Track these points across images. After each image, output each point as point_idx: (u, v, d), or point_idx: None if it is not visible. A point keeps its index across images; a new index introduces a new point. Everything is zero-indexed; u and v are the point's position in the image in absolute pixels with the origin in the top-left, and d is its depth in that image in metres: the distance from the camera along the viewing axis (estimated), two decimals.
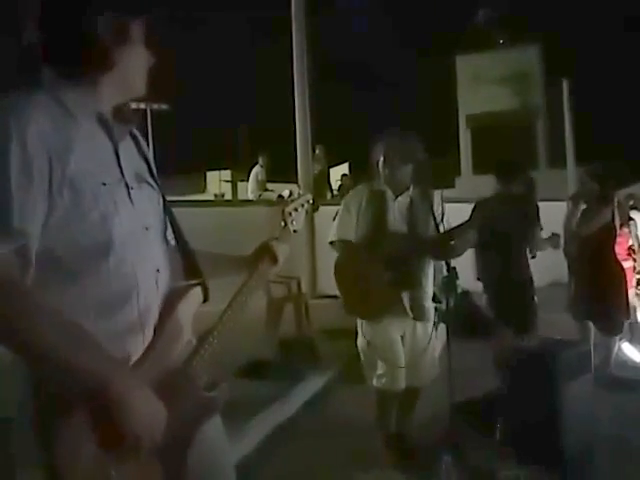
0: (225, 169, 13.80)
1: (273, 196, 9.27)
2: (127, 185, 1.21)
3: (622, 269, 4.49)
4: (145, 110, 11.65)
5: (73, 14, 1.15)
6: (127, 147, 1.26)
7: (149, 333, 1.23)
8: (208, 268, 1.38)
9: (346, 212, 3.09)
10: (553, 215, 5.39)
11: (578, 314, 4.37)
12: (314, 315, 6.05)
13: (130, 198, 1.21)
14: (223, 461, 1.46)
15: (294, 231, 1.64)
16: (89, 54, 1.17)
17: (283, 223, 1.61)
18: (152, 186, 1.31)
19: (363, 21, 21.21)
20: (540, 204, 4.52)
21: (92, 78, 1.20)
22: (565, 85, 15.16)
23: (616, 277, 4.38)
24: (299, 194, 1.65)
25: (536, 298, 5.20)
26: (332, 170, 11.55)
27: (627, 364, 4.78)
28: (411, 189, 3.08)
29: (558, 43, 19.36)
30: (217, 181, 13.38)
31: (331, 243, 3.10)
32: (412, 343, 3.05)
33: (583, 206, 4.35)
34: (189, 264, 1.36)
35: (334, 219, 3.20)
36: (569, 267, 4.57)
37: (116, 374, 1.07)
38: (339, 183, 11.07)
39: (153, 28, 1.27)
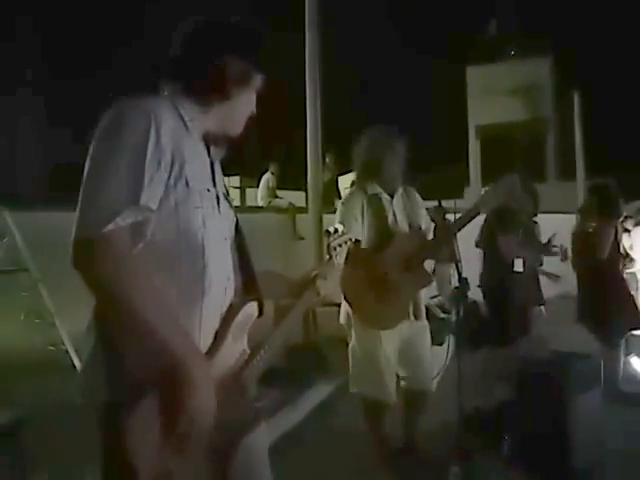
0: (234, 175, 13.87)
1: (282, 203, 9.31)
2: (217, 197, 1.39)
3: (624, 282, 4.47)
4: None
5: (210, 48, 1.38)
6: (217, 168, 1.44)
7: (209, 338, 1.32)
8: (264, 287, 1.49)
9: (350, 215, 2.96)
10: (563, 227, 5.37)
11: (586, 326, 4.37)
12: (321, 322, 6.04)
13: (219, 209, 1.38)
14: (265, 465, 1.51)
15: (338, 264, 1.75)
16: (214, 83, 1.38)
17: (328, 256, 1.73)
18: (229, 204, 1.47)
19: (373, 31, 21.30)
20: (550, 216, 4.52)
21: (207, 102, 1.39)
22: (576, 97, 15.14)
23: (617, 290, 4.36)
24: (343, 232, 1.77)
25: (544, 309, 5.18)
26: (341, 178, 11.57)
27: (636, 378, 4.75)
28: (400, 189, 3.09)
29: (569, 55, 19.37)
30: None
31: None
32: (409, 343, 3.01)
33: (588, 221, 4.38)
34: (249, 279, 1.47)
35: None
36: (578, 280, 4.57)
37: (192, 357, 1.21)
38: (348, 191, 11.09)
39: (267, 84, 1.49)
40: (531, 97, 20.63)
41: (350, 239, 1.80)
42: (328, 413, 4.10)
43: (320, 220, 7.09)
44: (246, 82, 1.42)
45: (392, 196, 3.06)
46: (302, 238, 7.94)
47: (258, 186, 10.81)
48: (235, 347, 1.38)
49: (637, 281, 7.26)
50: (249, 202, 12.38)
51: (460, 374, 2.72)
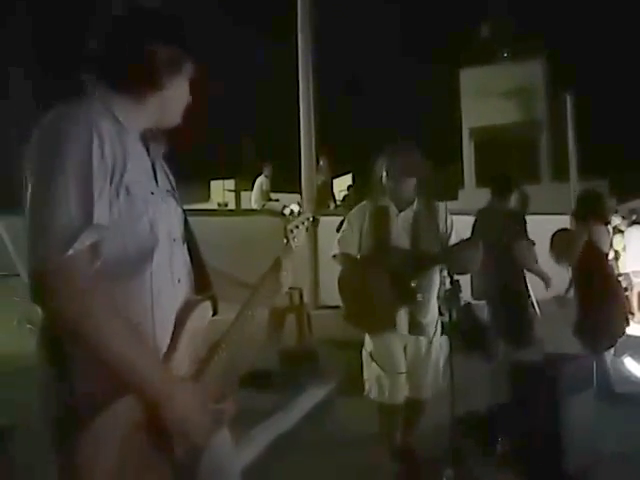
0: (229, 178, 13.87)
1: (277, 206, 9.31)
2: (162, 199, 1.31)
3: (613, 284, 4.44)
4: None
5: (137, 36, 1.29)
6: (159, 166, 1.37)
7: (163, 343, 1.27)
8: (218, 287, 1.42)
9: (348, 227, 3.13)
10: (557, 229, 5.35)
11: (575, 329, 4.35)
12: (316, 326, 6.04)
13: (166, 210, 1.31)
14: (230, 470, 1.48)
15: (295, 247, 1.68)
16: (142, 74, 1.28)
17: (285, 240, 1.65)
18: (177, 202, 1.39)
19: (366, 33, 21.34)
20: (543, 217, 4.53)
21: (140, 97, 1.31)
22: (568, 99, 15.22)
23: (604, 293, 4.33)
24: (300, 212, 1.69)
25: (538, 311, 5.17)
26: (335, 181, 11.60)
27: (629, 379, 4.76)
28: (415, 203, 3.08)
29: (562, 57, 19.47)
30: (221, 190, 13.43)
31: (334, 256, 3.14)
32: (412, 356, 3.03)
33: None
34: (202, 278, 1.41)
35: (337, 230, 3.23)
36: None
37: (168, 384, 1.19)
38: (343, 194, 11.13)
39: (202, 71, 1.42)
40: (524, 99, 20.71)
41: (308, 218, 1.70)
42: (322, 416, 4.09)
43: None
44: (177, 69, 1.33)
45: (401, 211, 3.07)
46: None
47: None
48: (189, 350, 1.31)
49: (631, 282, 7.27)
50: (244, 205, 12.39)
51: (453, 376, 2.72)
